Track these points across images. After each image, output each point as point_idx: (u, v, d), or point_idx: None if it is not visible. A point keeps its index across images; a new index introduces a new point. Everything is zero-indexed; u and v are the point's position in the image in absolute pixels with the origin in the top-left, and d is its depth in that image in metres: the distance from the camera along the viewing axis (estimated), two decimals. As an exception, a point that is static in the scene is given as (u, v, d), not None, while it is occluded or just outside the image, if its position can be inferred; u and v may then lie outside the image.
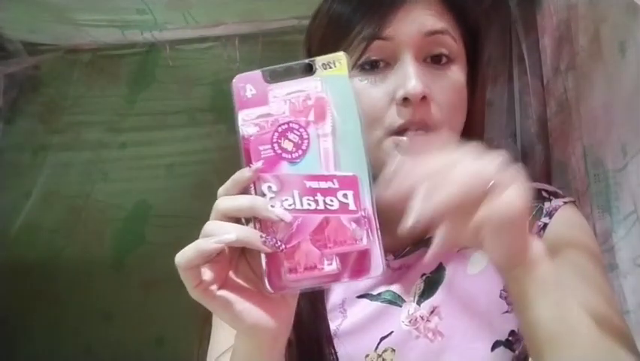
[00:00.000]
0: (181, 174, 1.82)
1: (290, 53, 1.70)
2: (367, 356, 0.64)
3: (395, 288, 0.67)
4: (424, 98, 0.60)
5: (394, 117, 0.61)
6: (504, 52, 1.25)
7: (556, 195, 0.71)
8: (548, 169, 1.13)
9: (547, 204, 0.69)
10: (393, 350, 0.64)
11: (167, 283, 1.77)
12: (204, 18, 1.56)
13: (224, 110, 1.80)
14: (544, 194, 0.71)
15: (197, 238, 0.46)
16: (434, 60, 0.63)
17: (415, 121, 0.61)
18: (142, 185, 1.86)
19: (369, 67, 0.63)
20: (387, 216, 0.56)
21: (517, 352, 0.64)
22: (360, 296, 0.67)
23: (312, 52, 0.69)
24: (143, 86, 1.84)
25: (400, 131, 0.61)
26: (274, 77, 0.45)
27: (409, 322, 0.64)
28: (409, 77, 0.60)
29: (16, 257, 1.80)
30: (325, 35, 0.67)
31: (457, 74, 0.64)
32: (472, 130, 0.69)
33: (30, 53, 1.70)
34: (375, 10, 0.62)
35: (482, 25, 0.69)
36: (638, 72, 0.78)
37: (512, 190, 0.43)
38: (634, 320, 0.82)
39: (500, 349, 0.62)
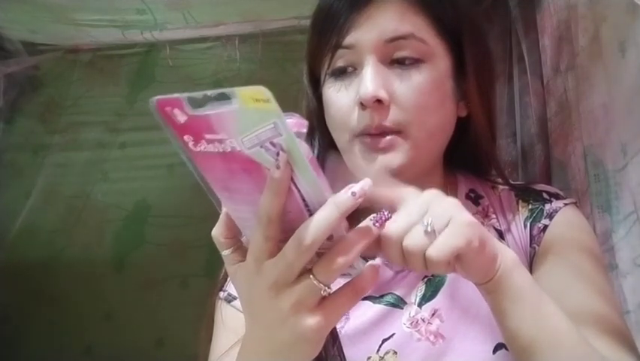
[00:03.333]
0: (181, 174, 1.82)
1: (290, 52, 1.72)
2: (369, 358, 0.64)
3: (397, 291, 0.67)
4: (379, 101, 0.61)
5: (355, 121, 0.63)
6: (504, 52, 1.25)
7: (557, 197, 0.71)
8: (548, 169, 1.13)
9: (547, 206, 0.69)
10: (395, 353, 0.64)
11: (167, 283, 1.79)
12: (204, 18, 1.56)
13: (224, 110, 1.81)
14: (545, 196, 0.71)
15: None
16: (400, 62, 0.63)
17: (374, 125, 0.62)
18: (142, 185, 1.87)
19: (339, 74, 0.65)
20: None
21: None
22: (363, 299, 0.67)
23: (307, 61, 0.71)
24: (143, 86, 1.85)
25: (363, 134, 0.63)
26: (196, 105, 0.39)
27: (411, 324, 0.64)
28: (363, 82, 0.61)
29: (16, 257, 1.80)
30: (309, 43, 0.70)
31: (424, 72, 0.63)
32: (476, 125, 0.69)
33: (30, 53, 1.71)
34: (339, 17, 0.63)
35: (466, 20, 0.66)
36: (638, 72, 0.78)
37: (447, 230, 0.45)
38: (634, 320, 0.82)
39: (502, 352, 0.61)
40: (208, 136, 0.38)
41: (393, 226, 0.46)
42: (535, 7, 1.15)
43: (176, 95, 0.38)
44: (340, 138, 0.66)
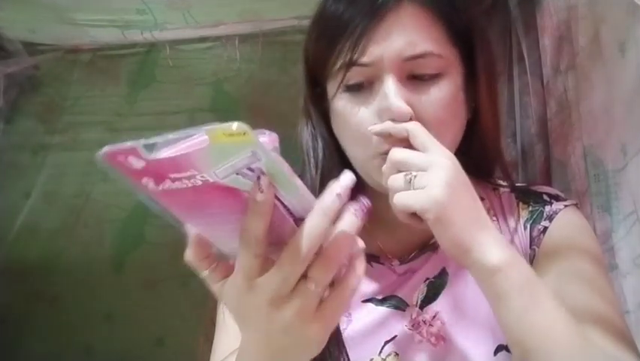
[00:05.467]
0: (181, 174, 1.81)
1: (290, 53, 1.72)
2: (371, 360, 0.64)
3: (400, 293, 0.67)
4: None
5: (381, 141, 0.61)
6: (504, 52, 1.25)
7: (558, 199, 0.71)
8: (548, 169, 1.13)
9: (547, 208, 0.69)
10: (397, 354, 0.64)
11: (167, 283, 1.79)
12: (204, 18, 1.55)
13: (224, 110, 1.81)
14: (545, 197, 0.71)
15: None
16: (417, 77, 0.62)
17: (399, 141, 0.60)
18: (142, 185, 1.86)
19: (354, 89, 0.63)
20: (394, 223, 0.56)
21: None
22: (366, 301, 0.67)
23: (308, 67, 0.70)
24: (143, 86, 1.85)
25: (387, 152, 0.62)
26: (153, 149, 0.36)
27: (412, 326, 0.65)
28: (393, 101, 0.59)
29: (16, 257, 1.79)
30: (315, 54, 0.68)
31: (444, 88, 0.62)
32: (485, 127, 0.69)
33: (30, 53, 1.70)
34: (353, 30, 0.61)
35: (476, 25, 0.66)
36: (638, 72, 0.78)
37: (417, 191, 0.52)
38: (634, 320, 0.82)
39: (503, 353, 0.62)
40: (173, 175, 0.36)
41: (388, 164, 0.56)
42: (535, 7, 1.15)
43: (129, 143, 0.35)
44: (358, 154, 0.65)
